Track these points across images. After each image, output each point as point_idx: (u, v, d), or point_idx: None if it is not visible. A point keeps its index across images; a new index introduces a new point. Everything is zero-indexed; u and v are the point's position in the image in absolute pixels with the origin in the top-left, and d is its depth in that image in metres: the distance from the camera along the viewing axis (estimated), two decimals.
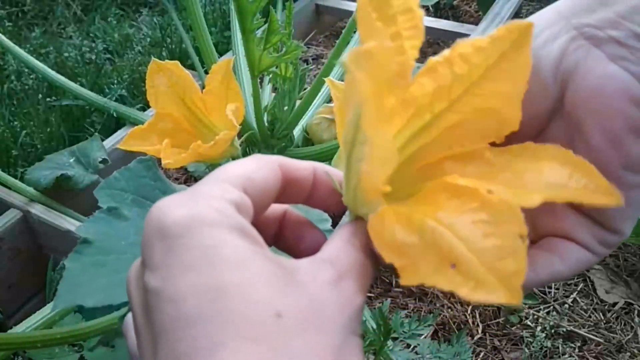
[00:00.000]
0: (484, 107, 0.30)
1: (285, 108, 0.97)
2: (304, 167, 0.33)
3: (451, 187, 0.28)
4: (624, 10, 0.32)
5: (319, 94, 1.06)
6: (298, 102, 0.98)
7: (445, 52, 0.30)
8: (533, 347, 0.93)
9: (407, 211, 0.28)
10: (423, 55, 1.61)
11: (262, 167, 0.31)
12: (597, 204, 0.27)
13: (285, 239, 0.35)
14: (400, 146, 0.31)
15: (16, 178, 1.08)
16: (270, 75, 0.94)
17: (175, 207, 0.26)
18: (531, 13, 1.74)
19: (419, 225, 0.26)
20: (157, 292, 0.24)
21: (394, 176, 0.28)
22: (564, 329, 0.96)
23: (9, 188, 1.06)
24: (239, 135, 0.90)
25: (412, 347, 0.92)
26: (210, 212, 0.25)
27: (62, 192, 1.06)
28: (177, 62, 0.88)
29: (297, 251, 0.35)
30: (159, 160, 0.82)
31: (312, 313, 0.24)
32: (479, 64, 0.30)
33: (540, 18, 0.35)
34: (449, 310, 1.02)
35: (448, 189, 0.28)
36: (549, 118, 0.35)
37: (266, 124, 0.99)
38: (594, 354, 0.93)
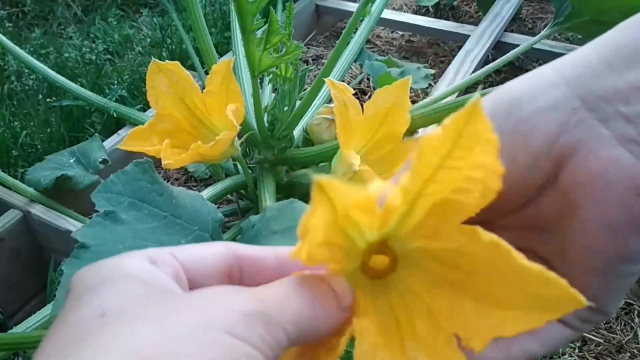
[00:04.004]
0: (460, 179, 0.28)
1: (286, 108, 0.97)
2: (259, 250, 0.33)
3: (435, 324, 0.31)
4: (637, 80, 0.28)
5: (319, 94, 1.06)
6: (298, 103, 0.98)
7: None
8: None
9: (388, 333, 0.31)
10: (423, 56, 1.61)
11: (198, 246, 0.33)
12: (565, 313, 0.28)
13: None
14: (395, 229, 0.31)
15: (16, 178, 1.08)
16: (270, 76, 0.94)
17: None
18: (531, 13, 1.74)
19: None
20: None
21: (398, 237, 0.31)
22: None
23: (9, 188, 1.06)
24: (239, 135, 0.90)
25: None
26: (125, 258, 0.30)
27: (62, 193, 1.06)
28: (177, 62, 0.88)
29: None
30: (157, 162, 0.82)
31: (137, 308, 0.26)
32: (438, 145, 0.27)
33: (539, 77, 0.31)
34: None
35: (432, 323, 0.31)
36: (540, 189, 0.31)
37: (266, 125, 0.99)
38: (594, 354, 0.93)
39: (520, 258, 0.27)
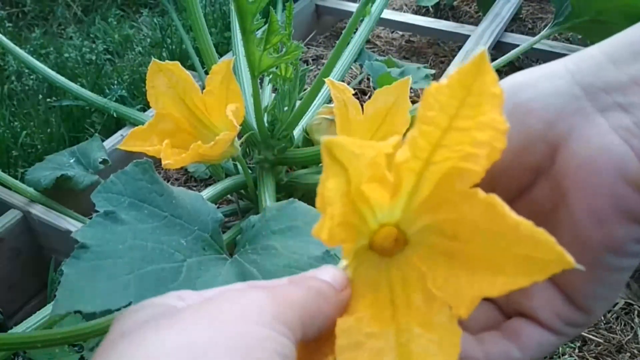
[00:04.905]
0: (468, 142, 0.28)
1: (286, 109, 0.97)
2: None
3: (429, 293, 0.31)
4: (638, 75, 0.28)
5: (319, 94, 1.06)
6: (298, 103, 0.98)
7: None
8: None
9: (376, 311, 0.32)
10: (423, 56, 1.61)
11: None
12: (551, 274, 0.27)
13: None
14: (405, 203, 0.32)
15: (16, 178, 1.08)
16: (270, 76, 0.94)
17: None
18: (531, 13, 1.74)
19: (383, 328, 0.31)
20: None
21: (405, 217, 0.32)
22: None
23: (9, 188, 1.06)
24: (239, 135, 0.90)
25: None
26: None
27: (62, 193, 1.06)
28: (177, 62, 0.88)
29: None
30: (157, 162, 0.82)
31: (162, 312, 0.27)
32: (446, 102, 0.28)
33: (543, 68, 0.31)
34: None
35: (427, 293, 0.31)
36: (535, 176, 0.32)
37: (266, 125, 0.99)
38: (594, 354, 0.93)
39: (512, 213, 0.27)
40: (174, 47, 1.54)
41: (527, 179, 0.32)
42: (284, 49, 0.85)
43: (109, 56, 1.60)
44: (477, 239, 0.29)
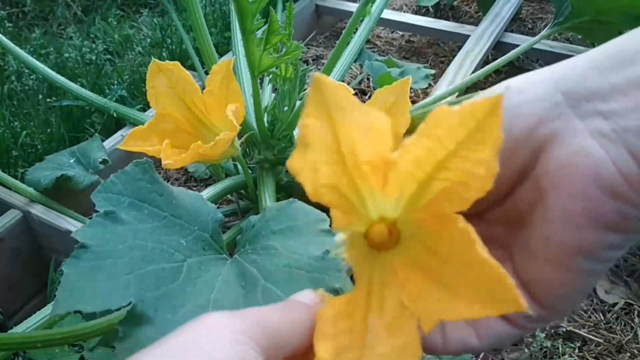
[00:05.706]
0: (465, 171, 0.29)
1: (286, 109, 0.97)
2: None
3: (402, 303, 0.33)
4: (620, 83, 0.29)
5: None
6: (298, 103, 0.98)
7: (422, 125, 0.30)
8: (533, 347, 0.93)
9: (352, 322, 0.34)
10: (423, 56, 1.61)
11: None
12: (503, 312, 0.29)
13: None
14: (403, 205, 0.33)
15: (16, 178, 1.08)
16: (271, 76, 0.94)
17: None
18: (531, 13, 1.74)
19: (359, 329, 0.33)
20: None
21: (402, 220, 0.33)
22: (564, 329, 0.96)
23: (9, 188, 1.06)
24: (239, 135, 0.90)
25: None
26: None
27: (62, 193, 1.06)
28: (177, 62, 0.88)
29: None
30: (157, 162, 0.82)
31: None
32: (455, 126, 0.28)
33: (533, 75, 0.32)
34: None
35: (400, 302, 0.33)
36: (520, 179, 0.32)
37: (266, 125, 0.99)
38: (594, 355, 0.93)
39: (481, 249, 0.28)
40: (174, 47, 1.55)
41: (513, 181, 0.33)
42: (284, 49, 0.85)
43: (109, 56, 1.60)
44: (452, 261, 0.31)
